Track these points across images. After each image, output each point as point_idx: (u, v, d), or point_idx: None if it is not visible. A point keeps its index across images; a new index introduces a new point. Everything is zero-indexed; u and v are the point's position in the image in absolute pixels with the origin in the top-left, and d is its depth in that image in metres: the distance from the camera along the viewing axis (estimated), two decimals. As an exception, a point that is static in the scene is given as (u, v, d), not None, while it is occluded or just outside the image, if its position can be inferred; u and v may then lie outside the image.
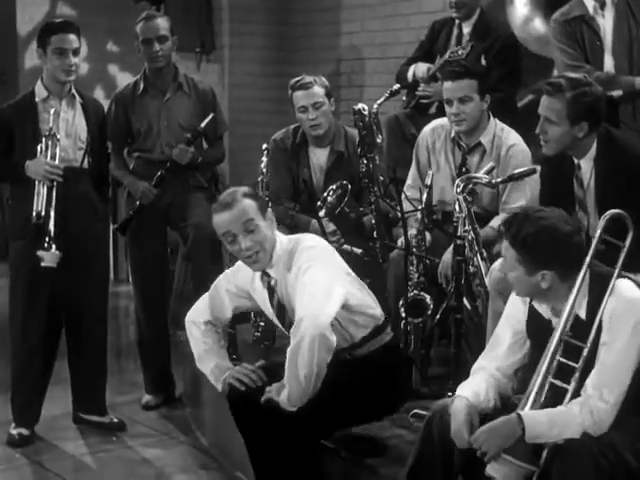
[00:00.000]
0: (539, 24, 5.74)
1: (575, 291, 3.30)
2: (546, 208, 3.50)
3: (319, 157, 5.41)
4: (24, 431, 5.11)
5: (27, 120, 5.01)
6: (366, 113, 5.16)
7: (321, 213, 5.08)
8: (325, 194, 5.14)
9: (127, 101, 5.59)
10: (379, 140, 5.21)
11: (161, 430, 5.33)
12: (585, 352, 3.26)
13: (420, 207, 4.72)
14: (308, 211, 5.21)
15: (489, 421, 3.26)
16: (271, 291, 3.98)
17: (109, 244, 5.54)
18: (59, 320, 5.18)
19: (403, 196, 4.78)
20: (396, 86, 5.60)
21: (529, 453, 3.17)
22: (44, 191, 4.83)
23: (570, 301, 3.31)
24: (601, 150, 4.06)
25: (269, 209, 3.97)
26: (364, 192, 5.06)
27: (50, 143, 4.90)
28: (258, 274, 3.99)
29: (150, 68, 5.57)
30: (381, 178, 5.00)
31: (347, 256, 4.55)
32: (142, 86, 5.59)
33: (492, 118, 4.91)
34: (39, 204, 4.81)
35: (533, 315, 3.49)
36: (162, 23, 5.54)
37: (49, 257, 4.75)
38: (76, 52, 5.02)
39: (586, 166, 4.09)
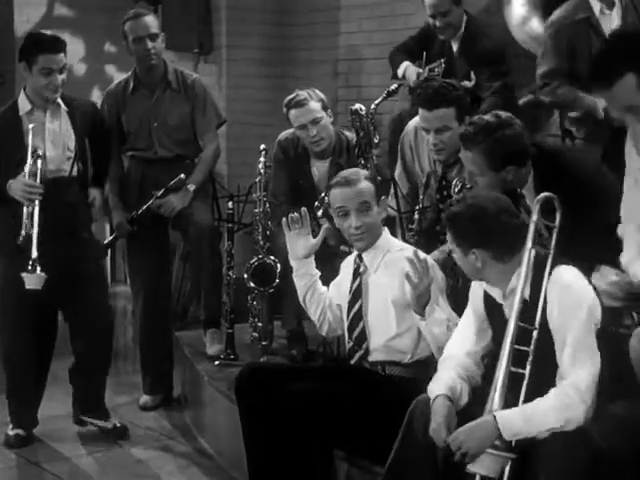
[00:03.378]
0: (536, 24, 5.74)
1: (523, 276, 3.34)
2: (485, 192, 3.60)
3: (320, 169, 5.40)
4: (21, 432, 5.09)
5: (11, 135, 4.89)
6: (363, 113, 5.15)
7: (319, 213, 5.09)
8: (323, 194, 5.14)
9: (118, 100, 5.59)
10: (376, 140, 5.22)
11: (159, 431, 5.32)
12: (534, 334, 3.30)
13: (417, 207, 4.72)
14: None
15: (463, 416, 3.30)
16: (356, 276, 4.11)
17: (102, 249, 5.39)
18: (53, 328, 5.14)
19: (399, 195, 4.78)
20: (393, 86, 5.62)
21: (504, 440, 3.19)
22: (27, 211, 4.69)
23: (519, 287, 3.33)
24: (537, 177, 3.92)
25: (384, 198, 4.16)
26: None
27: (31, 161, 4.76)
28: (352, 259, 4.15)
29: (141, 67, 5.56)
30: (379, 178, 4.99)
31: (345, 256, 4.56)
32: (132, 85, 5.58)
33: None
34: (25, 224, 4.68)
35: (487, 299, 3.55)
36: (151, 21, 5.52)
37: (33, 279, 4.60)
38: (63, 70, 4.89)
39: (529, 195, 3.92)
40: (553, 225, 3.47)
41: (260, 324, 5.30)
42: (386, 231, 4.17)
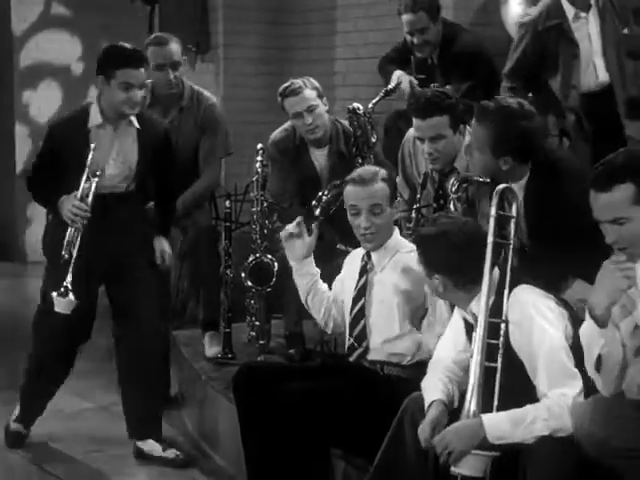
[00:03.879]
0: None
1: (484, 298, 3.37)
2: (457, 215, 3.71)
3: (319, 158, 5.40)
4: (22, 430, 5.07)
5: (76, 148, 4.65)
6: (361, 112, 5.15)
7: (316, 212, 5.09)
8: (320, 193, 5.13)
9: None
10: (373, 140, 5.22)
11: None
12: (502, 327, 3.35)
13: (415, 206, 4.72)
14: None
15: (452, 420, 3.33)
16: (362, 273, 4.12)
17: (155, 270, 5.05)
18: (87, 333, 5.04)
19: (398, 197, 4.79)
20: (391, 85, 5.61)
21: (487, 441, 3.22)
22: (71, 232, 4.59)
23: (482, 308, 3.36)
24: (531, 187, 3.87)
25: (398, 199, 4.20)
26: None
27: (86, 184, 4.60)
28: (360, 256, 4.15)
29: (159, 91, 5.52)
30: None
31: (342, 255, 4.56)
32: (148, 100, 5.49)
33: (468, 136, 4.59)
34: (67, 244, 4.58)
35: (464, 319, 3.59)
36: (174, 47, 5.44)
37: (63, 304, 4.50)
38: (143, 86, 4.70)
39: (518, 193, 3.84)
40: (512, 215, 3.53)
41: (257, 323, 5.30)
42: (397, 231, 4.18)
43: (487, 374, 3.31)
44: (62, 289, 4.49)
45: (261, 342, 5.29)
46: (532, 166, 3.90)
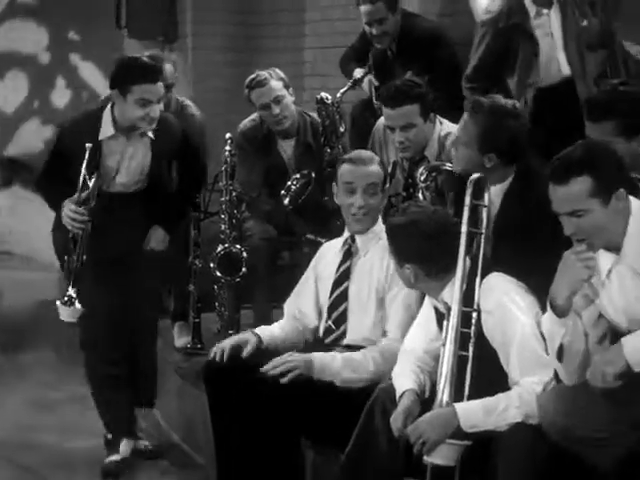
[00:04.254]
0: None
1: (458, 287, 3.39)
2: (426, 204, 3.72)
3: (286, 149, 5.41)
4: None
5: (88, 157, 4.48)
6: (329, 102, 5.16)
7: (285, 202, 5.10)
8: (289, 183, 5.15)
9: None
10: (342, 129, 5.23)
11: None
12: (474, 315, 3.37)
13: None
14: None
15: (424, 410, 3.36)
16: (346, 256, 4.09)
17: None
18: None
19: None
20: (359, 75, 5.61)
21: (461, 430, 3.25)
22: (70, 237, 4.51)
23: (456, 297, 3.39)
24: (512, 190, 3.85)
25: (387, 186, 4.17)
26: (328, 181, 5.06)
27: (85, 184, 4.47)
28: (338, 247, 4.14)
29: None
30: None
31: (311, 245, 4.58)
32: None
33: (439, 124, 4.72)
34: (69, 251, 4.51)
35: (435, 308, 3.61)
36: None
37: (68, 312, 4.41)
38: (160, 100, 4.59)
39: (495, 194, 3.86)
40: (483, 204, 3.56)
41: (227, 313, 5.30)
42: (380, 219, 4.14)
43: (459, 363, 3.33)
44: (66, 298, 4.39)
45: (230, 332, 5.29)
46: (516, 171, 3.88)
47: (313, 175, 5.11)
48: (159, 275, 4.99)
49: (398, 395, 3.48)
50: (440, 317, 3.55)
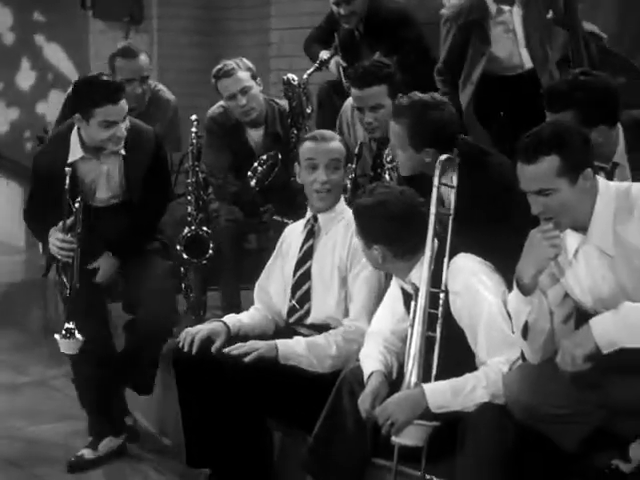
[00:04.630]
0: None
1: (426, 268, 3.41)
2: (394, 185, 3.75)
3: (254, 137, 5.37)
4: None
5: (62, 181, 4.39)
6: (295, 84, 5.15)
7: (252, 183, 5.09)
8: (256, 164, 5.14)
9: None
10: (309, 110, 5.23)
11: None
12: (442, 296, 3.40)
13: (350, 176, 4.73)
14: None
15: (390, 391, 3.38)
16: (309, 236, 4.09)
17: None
18: None
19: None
20: (325, 56, 5.61)
21: (429, 410, 3.27)
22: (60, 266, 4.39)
23: (424, 277, 3.40)
24: (460, 175, 3.85)
25: (349, 165, 4.18)
26: (295, 162, 5.05)
27: (71, 218, 4.35)
28: (301, 228, 4.13)
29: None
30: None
31: (278, 225, 4.57)
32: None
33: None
34: (61, 282, 4.40)
35: (403, 291, 3.62)
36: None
37: (68, 345, 4.27)
38: (125, 117, 4.41)
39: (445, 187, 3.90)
40: (452, 185, 3.59)
41: (193, 295, 5.29)
42: (343, 199, 4.17)
43: (427, 344, 3.35)
44: (64, 331, 4.25)
45: (197, 314, 5.28)
46: (461, 159, 3.89)
47: (280, 156, 5.10)
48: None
49: (366, 377, 3.50)
50: (407, 298, 3.56)
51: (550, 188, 3.05)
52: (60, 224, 4.37)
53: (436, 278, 3.43)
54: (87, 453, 4.56)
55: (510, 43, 4.96)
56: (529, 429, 3.18)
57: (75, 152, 4.49)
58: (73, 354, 4.33)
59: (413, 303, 3.43)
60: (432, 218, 3.46)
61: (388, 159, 4.45)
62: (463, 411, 3.26)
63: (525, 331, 3.13)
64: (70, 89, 5.53)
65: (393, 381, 3.51)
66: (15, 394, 5.50)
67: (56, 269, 4.48)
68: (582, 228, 3.13)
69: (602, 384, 3.09)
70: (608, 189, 3.13)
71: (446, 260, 3.45)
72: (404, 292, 3.62)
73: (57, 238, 4.36)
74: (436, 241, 3.49)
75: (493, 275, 3.46)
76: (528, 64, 4.96)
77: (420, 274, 3.43)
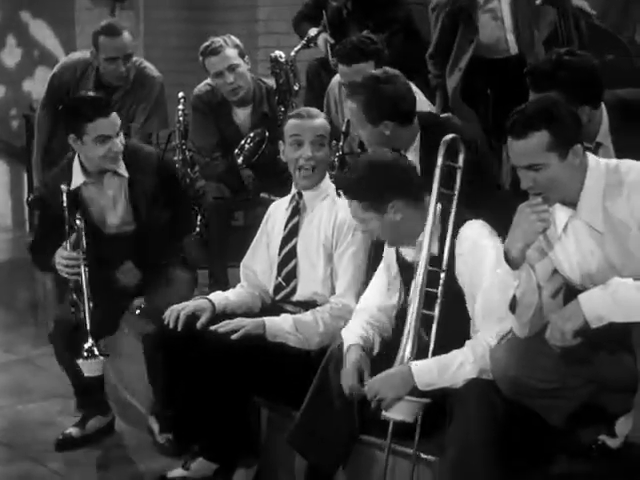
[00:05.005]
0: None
1: (429, 228, 3.40)
2: (370, 151, 3.77)
3: (241, 116, 5.35)
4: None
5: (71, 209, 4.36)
6: (283, 61, 5.14)
7: (239, 160, 5.08)
8: (243, 141, 5.13)
9: None
10: (296, 88, 5.21)
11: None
12: (442, 276, 3.38)
13: (338, 154, 4.72)
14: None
15: (376, 366, 3.39)
16: (294, 213, 4.08)
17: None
18: None
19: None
20: (313, 33, 5.59)
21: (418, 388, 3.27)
22: (74, 287, 4.27)
23: (426, 237, 3.39)
24: (424, 143, 3.94)
25: (334, 142, 4.14)
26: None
27: (72, 237, 4.28)
28: (285, 205, 4.12)
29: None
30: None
31: (265, 202, 4.56)
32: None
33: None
34: (75, 303, 4.27)
35: (401, 260, 3.61)
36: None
37: (91, 366, 4.15)
38: (119, 132, 4.38)
39: (413, 156, 3.98)
40: (458, 166, 3.54)
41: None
42: (327, 176, 4.15)
43: (424, 322, 3.35)
44: (85, 352, 4.13)
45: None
46: (422, 130, 4.01)
47: (267, 134, 5.08)
48: None
49: (345, 351, 3.50)
50: (404, 269, 3.56)
51: (540, 163, 3.05)
52: (64, 243, 4.30)
53: (438, 258, 3.41)
54: (75, 431, 4.54)
55: (498, 30, 4.97)
56: (517, 404, 3.18)
57: (77, 179, 4.46)
58: (99, 374, 4.23)
59: (414, 281, 3.39)
60: (434, 196, 3.44)
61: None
62: (452, 388, 3.26)
63: (513, 305, 3.14)
64: (55, 67, 5.56)
65: (374, 357, 3.51)
66: (2, 372, 5.48)
67: (69, 291, 4.34)
68: (572, 204, 3.13)
69: (591, 359, 3.10)
70: (598, 165, 3.13)
71: (448, 241, 3.41)
72: (401, 264, 3.61)
73: (62, 256, 4.29)
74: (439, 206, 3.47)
75: (501, 245, 3.43)
76: (515, 50, 4.97)
77: (433, 238, 3.42)
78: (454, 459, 3.19)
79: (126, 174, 4.48)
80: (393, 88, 3.94)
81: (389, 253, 3.69)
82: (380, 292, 3.68)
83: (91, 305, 4.22)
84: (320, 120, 4.05)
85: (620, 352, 3.08)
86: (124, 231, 4.57)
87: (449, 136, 3.53)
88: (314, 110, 4.14)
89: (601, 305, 2.97)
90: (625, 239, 3.07)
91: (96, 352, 4.12)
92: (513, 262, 3.10)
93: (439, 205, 3.45)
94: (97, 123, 4.28)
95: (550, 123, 3.04)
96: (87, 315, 4.19)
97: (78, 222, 4.29)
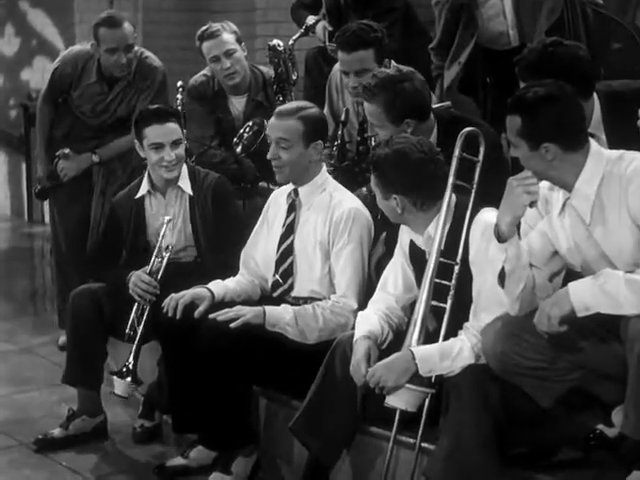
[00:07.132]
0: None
1: (442, 218, 3.40)
2: (408, 135, 3.68)
3: (237, 105, 5.34)
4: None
5: (132, 219, 4.48)
6: (281, 49, 5.12)
7: (237, 150, 5.07)
8: (241, 131, 5.11)
9: None
10: (294, 77, 5.20)
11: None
12: (456, 269, 3.38)
13: (336, 143, 4.72)
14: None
15: (386, 356, 3.37)
16: (291, 210, 4.08)
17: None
18: None
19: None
20: (311, 21, 5.57)
21: (424, 377, 3.28)
22: (137, 307, 4.26)
23: (439, 227, 3.39)
24: (442, 135, 3.93)
25: (319, 142, 4.05)
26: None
27: (157, 258, 4.30)
28: (283, 198, 4.12)
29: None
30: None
31: (265, 191, 4.56)
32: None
33: None
34: (132, 321, 4.25)
35: (412, 247, 3.61)
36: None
37: (122, 386, 4.14)
38: (177, 143, 4.42)
39: None
40: (477, 159, 3.52)
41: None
42: (324, 169, 4.12)
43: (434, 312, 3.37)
44: (124, 369, 4.14)
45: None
46: (437, 119, 4.00)
47: (265, 123, 5.07)
48: None
49: (354, 343, 3.50)
50: (416, 255, 3.56)
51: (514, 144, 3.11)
52: (146, 267, 4.30)
53: (453, 247, 3.40)
54: (57, 432, 4.46)
55: (500, 25, 4.96)
56: (513, 393, 3.19)
57: (142, 189, 4.52)
58: (126, 396, 4.23)
59: (428, 261, 3.38)
60: (449, 188, 3.43)
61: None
62: (450, 374, 3.27)
63: (502, 278, 3.14)
64: (56, 61, 5.54)
65: (385, 349, 3.50)
66: (1, 362, 5.49)
67: (134, 311, 4.29)
68: (569, 188, 3.13)
69: (579, 346, 3.12)
70: (599, 154, 3.13)
71: (464, 233, 3.41)
72: (413, 249, 3.60)
73: (142, 280, 4.26)
74: (454, 197, 3.47)
75: None
76: (517, 42, 4.96)
77: (440, 223, 3.41)
78: (447, 448, 3.20)
79: (190, 191, 4.48)
80: (412, 86, 3.91)
81: (403, 240, 3.67)
82: (398, 281, 3.66)
83: (143, 331, 4.20)
84: (288, 121, 3.99)
85: (609, 340, 3.09)
86: (180, 259, 4.51)
87: (468, 129, 3.51)
88: (291, 109, 4.08)
89: (589, 295, 2.99)
90: (616, 230, 3.06)
91: (129, 378, 4.12)
92: (502, 236, 3.11)
93: (453, 196, 3.45)
94: (151, 129, 4.38)
95: (522, 110, 3.08)
96: (138, 339, 4.18)
97: (167, 255, 4.32)
